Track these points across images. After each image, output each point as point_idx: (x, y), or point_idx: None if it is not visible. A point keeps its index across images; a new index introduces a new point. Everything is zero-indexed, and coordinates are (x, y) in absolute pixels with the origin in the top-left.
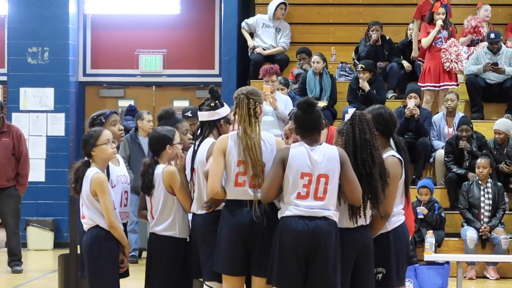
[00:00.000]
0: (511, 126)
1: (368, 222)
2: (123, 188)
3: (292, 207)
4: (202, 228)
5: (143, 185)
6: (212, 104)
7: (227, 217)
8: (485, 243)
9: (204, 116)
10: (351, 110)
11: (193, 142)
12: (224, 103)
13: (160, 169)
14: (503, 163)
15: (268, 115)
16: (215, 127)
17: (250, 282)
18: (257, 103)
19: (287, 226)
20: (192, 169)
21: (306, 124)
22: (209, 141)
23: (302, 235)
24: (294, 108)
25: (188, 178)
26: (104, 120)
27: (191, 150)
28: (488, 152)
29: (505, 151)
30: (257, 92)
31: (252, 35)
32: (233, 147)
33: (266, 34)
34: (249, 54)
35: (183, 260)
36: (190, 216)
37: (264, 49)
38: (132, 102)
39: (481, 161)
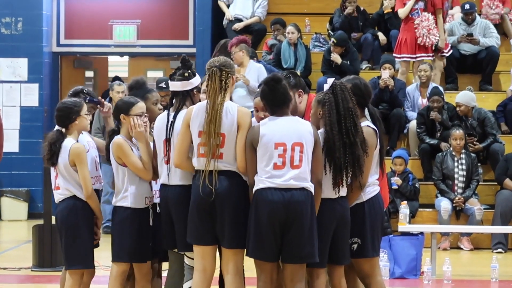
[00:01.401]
0: (472, 98)
1: (345, 193)
2: (92, 153)
3: (267, 180)
4: (177, 199)
5: (106, 154)
6: (186, 74)
7: (192, 188)
8: (459, 214)
9: (177, 86)
10: (330, 80)
11: (167, 112)
12: (195, 72)
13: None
14: (469, 139)
15: (241, 88)
16: (188, 97)
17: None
18: (229, 74)
19: (263, 197)
20: (169, 140)
21: (275, 100)
22: (184, 112)
23: (278, 205)
24: (261, 83)
25: (159, 149)
26: (86, 101)
27: (163, 120)
28: (459, 123)
29: (469, 122)
30: (229, 63)
31: (229, 6)
32: (196, 118)
33: (243, 3)
34: (223, 23)
35: (138, 230)
36: (155, 186)
37: (240, 20)
38: None
39: (456, 132)
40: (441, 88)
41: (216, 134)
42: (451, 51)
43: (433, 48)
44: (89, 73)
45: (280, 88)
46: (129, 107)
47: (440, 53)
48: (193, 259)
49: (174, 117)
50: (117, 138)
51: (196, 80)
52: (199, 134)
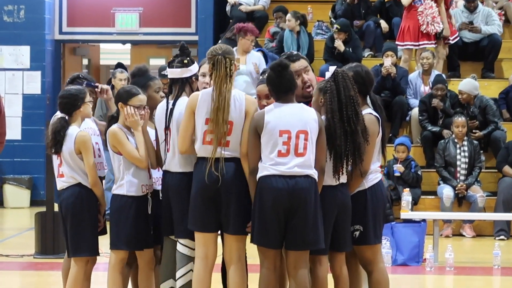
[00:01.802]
0: (475, 86)
1: (346, 180)
2: (93, 139)
3: (271, 167)
4: (178, 186)
5: (104, 139)
6: (186, 61)
7: (196, 174)
8: (462, 201)
9: (176, 73)
10: (332, 68)
11: (166, 100)
12: (194, 60)
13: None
14: (471, 122)
15: (243, 75)
16: (187, 84)
17: None
18: (232, 61)
19: (267, 184)
20: (167, 128)
21: (282, 87)
22: (185, 100)
23: (282, 193)
24: (267, 69)
25: (161, 136)
26: (84, 85)
27: (163, 108)
28: (462, 110)
29: (471, 110)
30: (231, 50)
31: None
32: (203, 105)
33: None
34: (226, 9)
35: (133, 218)
36: (156, 173)
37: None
38: None
39: (458, 119)
40: (444, 76)
41: (224, 121)
42: (458, 38)
43: (436, 36)
44: (85, 61)
45: (286, 75)
46: (129, 97)
47: (446, 41)
48: (188, 246)
49: (173, 105)
50: (113, 127)
51: (194, 68)
52: (206, 122)
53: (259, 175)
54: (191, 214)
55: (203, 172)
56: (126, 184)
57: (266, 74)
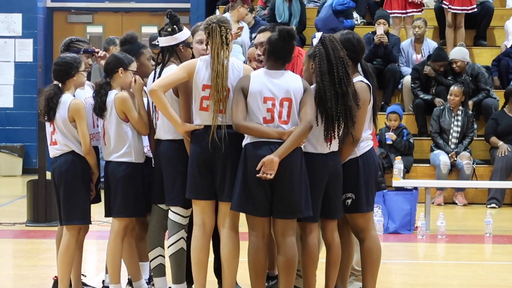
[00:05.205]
0: (466, 53)
1: (337, 148)
2: (90, 110)
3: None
4: (168, 154)
5: (95, 106)
6: (169, 29)
7: (192, 141)
8: (452, 169)
9: (162, 41)
10: (318, 34)
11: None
12: (184, 27)
13: (112, 95)
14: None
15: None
16: (174, 53)
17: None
18: (228, 30)
19: (252, 151)
20: None
21: (278, 52)
22: (171, 68)
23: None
24: (274, 32)
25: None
26: (81, 52)
27: (151, 76)
28: (455, 78)
29: (463, 77)
30: (226, 19)
31: None
32: (201, 71)
33: None
34: None
35: (141, 185)
36: (145, 141)
37: None
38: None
39: (454, 88)
40: (442, 48)
41: (223, 88)
42: (475, 9)
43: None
44: (96, 29)
45: (290, 44)
46: (129, 62)
47: (447, 8)
48: (179, 214)
49: (160, 73)
50: (121, 93)
51: (182, 35)
52: (203, 88)
53: (244, 142)
54: (188, 181)
55: (200, 139)
56: (134, 151)
57: (272, 35)
